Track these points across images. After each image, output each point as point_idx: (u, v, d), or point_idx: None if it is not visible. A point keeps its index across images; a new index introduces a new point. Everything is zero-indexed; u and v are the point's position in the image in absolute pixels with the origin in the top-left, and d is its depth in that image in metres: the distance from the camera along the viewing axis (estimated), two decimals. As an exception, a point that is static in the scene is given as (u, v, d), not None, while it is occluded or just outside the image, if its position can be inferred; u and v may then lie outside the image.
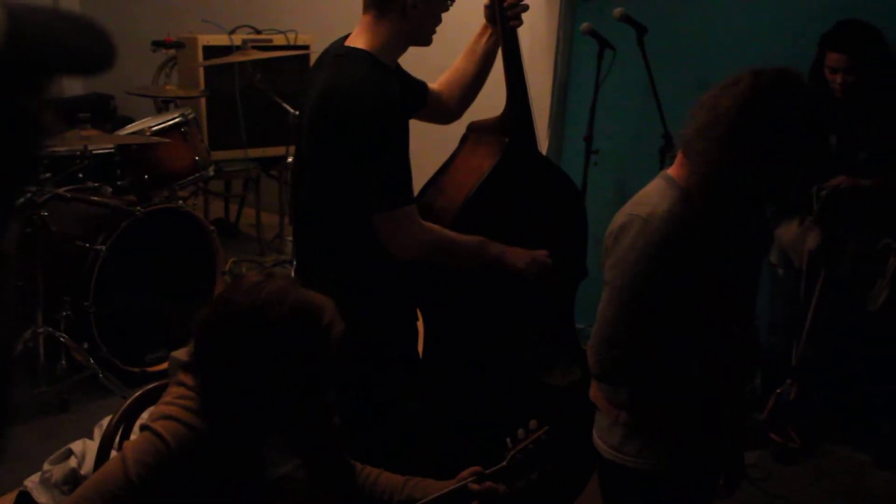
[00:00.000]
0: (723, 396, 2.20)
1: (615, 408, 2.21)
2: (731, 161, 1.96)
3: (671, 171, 2.13)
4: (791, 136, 1.94)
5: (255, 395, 1.84)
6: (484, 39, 2.83)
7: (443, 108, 2.85)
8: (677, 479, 2.21)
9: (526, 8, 2.74)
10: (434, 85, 2.84)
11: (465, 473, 2.09)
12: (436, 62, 2.89)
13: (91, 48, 1.04)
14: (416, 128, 2.63)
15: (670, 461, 2.19)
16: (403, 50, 2.54)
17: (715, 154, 1.97)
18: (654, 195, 2.09)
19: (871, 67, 3.66)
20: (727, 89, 1.99)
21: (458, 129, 2.92)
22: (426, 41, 2.54)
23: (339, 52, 2.50)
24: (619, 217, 2.11)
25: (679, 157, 2.13)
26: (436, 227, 2.53)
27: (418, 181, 2.64)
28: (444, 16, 2.54)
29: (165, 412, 1.83)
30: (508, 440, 2.12)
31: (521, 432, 2.12)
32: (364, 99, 2.37)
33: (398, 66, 2.61)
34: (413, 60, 2.63)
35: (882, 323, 3.85)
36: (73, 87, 7.22)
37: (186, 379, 1.88)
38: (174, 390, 1.89)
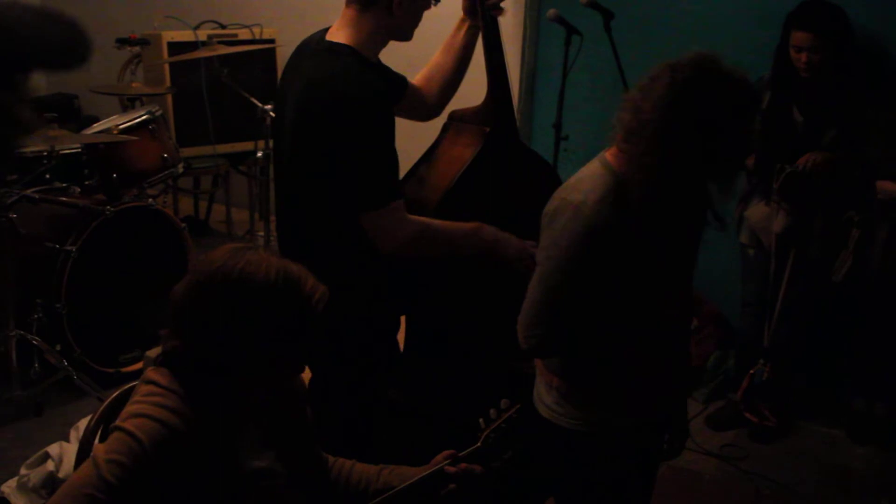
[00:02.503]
0: (660, 364, 2.23)
1: (549, 372, 2.26)
2: (663, 162, 1.98)
3: (609, 154, 2.14)
4: (717, 125, 1.96)
5: (236, 362, 1.84)
6: (462, 33, 2.82)
7: (422, 104, 2.84)
8: (616, 441, 2.24)
9: None
10: (413, 81, 2.83)
11: (438, 458, 2.10)
12: (405, 54, 2.87)
13: (65, 43, 1.04)
14: (397, 118, 2.62)
15: (607, 424, 2.23)
16: (384, 45, 2.53)
17: (646, 157, 1.99)
18: (588, 181, 2.11)
19: (836, 46, 3.69)
20: (646, 90, 2.02)
21: (440, 118, 2.92)
22: (407, 37, 2.53)
23: (320, 46, 2.47)
24: (554, 199, 2.14)
25: (618, 140, 2.14)
26: (423, 218, 2.52)
27: (401, 170, 2.64)
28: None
29: (136, 410, 1.82)
30: (481, 420, 2.14)
31: (492, 412, 2.14)
32: (350, 95, 2.35)
33: (378, 61, 2.60)
34: (384, 53, 2.62)
35: (846, 294, 3.89)
36: (36, 86, 7.13)
37: (156, 376, 1.87)
38: (144, 388, 1.87)
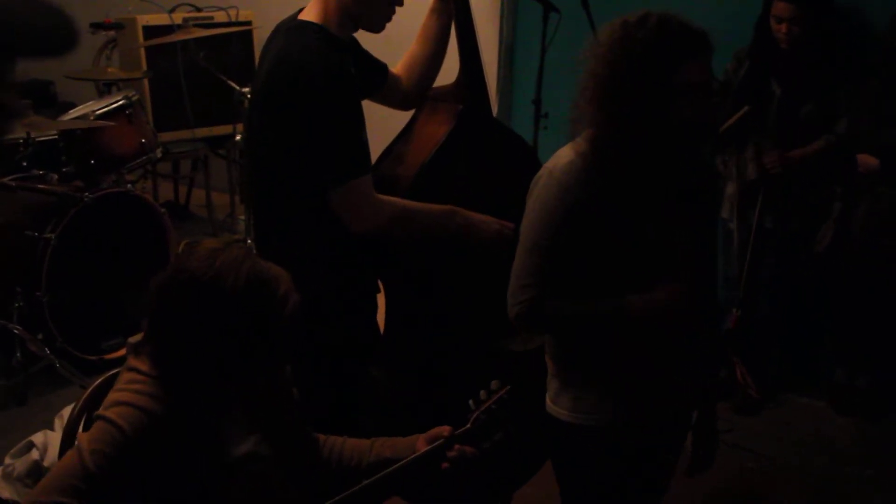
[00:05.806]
0: (666, 351, 2.17)
1: (548, 358, 2.25)
2: (609, 110, 1.99)
3: (587, 132, 2.15)
4: (664, 67, 1.95)
5: (210, 364, 1.83)
6: (435, 18, 2.80)
7: (402, 93, 2.82)
8: (618, 435, 2.18)
9: None
10: (393, 70, 2.81)
11: (434, 431, 2.09)
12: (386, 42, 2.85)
13: (52, 30, 1.04)
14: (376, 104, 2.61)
15: (607, 416, 2.17)
16: (355, 25, 2.51)
17: (595, 111, 2.01)
18: (562, 150, 2.13)
19: (817, 19, 3.69)
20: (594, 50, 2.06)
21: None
22: (374, 27, 2.52)
23: (290, 25, 2.47)
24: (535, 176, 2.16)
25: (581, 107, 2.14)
26: (394, 198, 2.50)
27: (376, 150, 2.62)
28: None
29: (118, 399, 1.82)
30: (471, 402, 2.12)
31: (482, 393, 2.12)
32: (311, 71, 2.34)
33: (356, 44, 2.58)
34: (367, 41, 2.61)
35: (827, 266, 3.91)
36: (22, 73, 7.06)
37: (137, 363, 1.87)
38: (126, 376, 1.88)
